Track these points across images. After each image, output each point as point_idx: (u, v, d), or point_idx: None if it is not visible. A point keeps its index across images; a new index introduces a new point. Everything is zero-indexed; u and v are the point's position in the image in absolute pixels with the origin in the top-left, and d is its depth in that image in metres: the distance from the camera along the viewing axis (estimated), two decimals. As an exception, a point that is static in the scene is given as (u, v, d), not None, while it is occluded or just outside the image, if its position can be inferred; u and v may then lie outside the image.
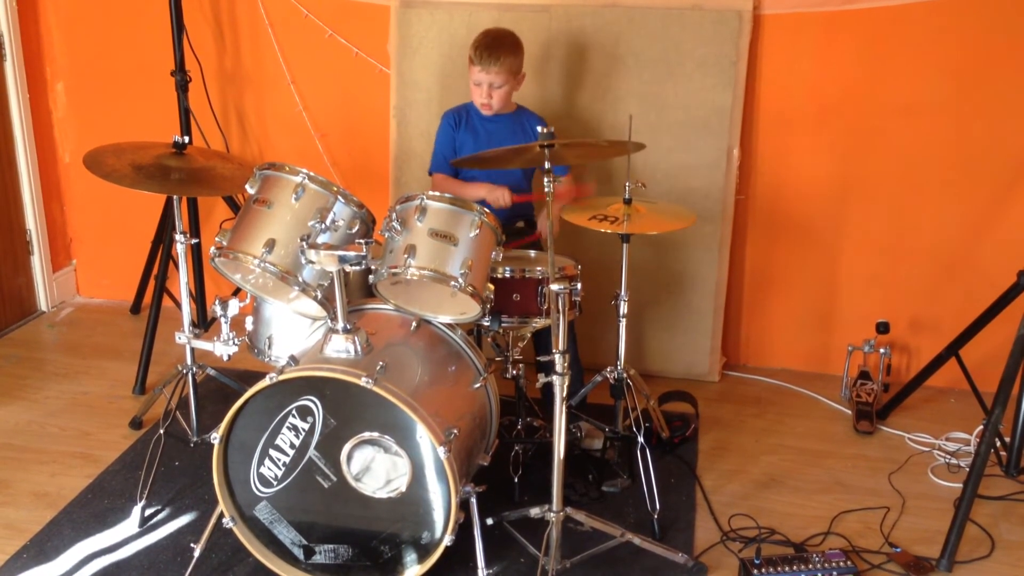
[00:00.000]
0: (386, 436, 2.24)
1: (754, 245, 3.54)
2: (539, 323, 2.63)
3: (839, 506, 2.79)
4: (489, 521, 2.48)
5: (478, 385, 2.53)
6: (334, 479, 2.30)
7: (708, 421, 3.26)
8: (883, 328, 3.33)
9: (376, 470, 2.27)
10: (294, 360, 2.29)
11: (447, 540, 2.25)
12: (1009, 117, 3.21)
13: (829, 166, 3.40)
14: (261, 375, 2.24)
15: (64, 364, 3.62)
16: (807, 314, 3.60)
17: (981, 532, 2.67)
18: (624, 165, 2.71)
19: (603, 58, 3.34)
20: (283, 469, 2.31)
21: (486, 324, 2.58)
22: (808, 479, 2.95)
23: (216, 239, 2.41)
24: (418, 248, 2.31)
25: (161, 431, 2.73)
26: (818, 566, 2.43)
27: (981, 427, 2.71)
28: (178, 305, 2.86)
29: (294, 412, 2.27)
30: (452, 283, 2.30)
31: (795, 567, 2.42)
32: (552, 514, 2.36)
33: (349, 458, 2.27)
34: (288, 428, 2.28)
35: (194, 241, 2.79)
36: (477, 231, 2.36)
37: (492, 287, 2.43)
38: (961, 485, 2.57)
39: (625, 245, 2.70)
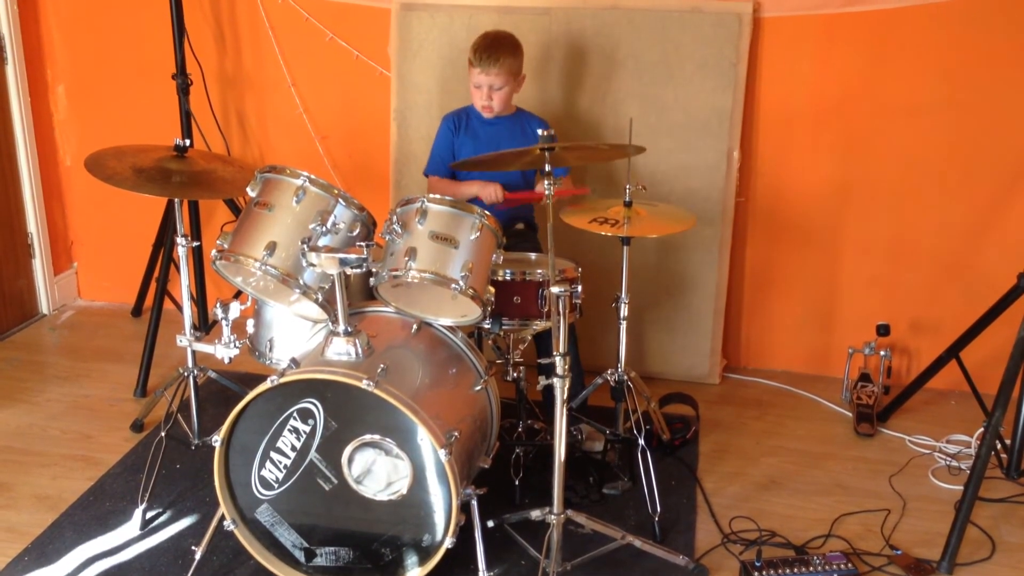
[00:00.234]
0: (387, 439, 2.24)
1: (754, 247, 3.55)
2: (540, 325, 2.63)
3: (840, 508, 2.79)
4: (490, 523, 2.48)
5: (479, 387, 2.53)
6: (335, 481, 2.30)
7: (709, 423, 3.26)
8: (883, 330, 3.33)
9: (377, 472, 2.28)
10: (295, 363, 2.29)
11: (448, 542, 2.25)
12: (1009, 119, 3.21)
13: (829, 168, 3.40)
14: (262, 378, 2.24)
15: (65, 367, 3.62)
16: (807, 316, 3.60)
17: (982, 534, 2.67)
18: (624, 167, 2.71)
19: (603, 60, 3.35)
20: (284, 472, 2.31)
21: (487, 327, 2.58)
22: (809, 481, 2.95)
23: (217, 242, 2.41)
24: (419, 251, 2.31)
25: (162, 434, 2.73)
26: (819, 568, 2.43)
27: (982, 429, 2.71)
28: (179, 308, 2.86)
29: (295, 415, 2.27)
30: (453, 286, 2.30)
31: (796, 569, 2.42)
32: (553, 516, 2.36)
33: (350, 460, 2.28)
34: (289, 431, 2.28)
35: (195, 244, 2.80)
36: (478, 234, 2.36)
37: (493, 290, 2.43)
38: (962, 487, 2.57)
39: (625, 248, 2.71)
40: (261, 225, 2.37)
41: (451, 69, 3.41)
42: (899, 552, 2.57)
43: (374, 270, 2.35)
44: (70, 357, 3.71)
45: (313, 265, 2.28)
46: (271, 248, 2.32)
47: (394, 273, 2.32)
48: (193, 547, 2.42)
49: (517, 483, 2.75)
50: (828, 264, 3.51)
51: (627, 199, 2.69)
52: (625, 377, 2.82)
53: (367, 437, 2.25)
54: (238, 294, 2.55)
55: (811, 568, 2.43)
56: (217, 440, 2.27)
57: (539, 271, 2.60)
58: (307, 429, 2.27)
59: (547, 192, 2.28)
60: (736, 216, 3.43)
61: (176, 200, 2.74)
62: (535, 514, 2.43)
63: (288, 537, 2.37)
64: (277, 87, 3.72)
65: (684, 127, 3.34)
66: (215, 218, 3.83)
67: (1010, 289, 2.87)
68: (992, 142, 3.25)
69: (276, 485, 2.33)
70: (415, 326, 2.53)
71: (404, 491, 2.27)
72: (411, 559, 2.33)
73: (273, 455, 2.30)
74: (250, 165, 3.00)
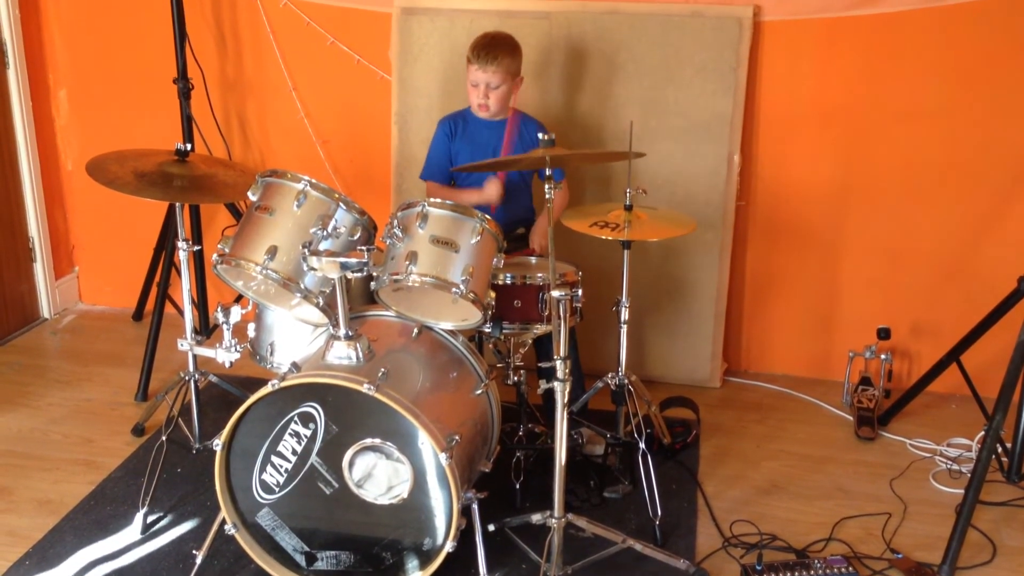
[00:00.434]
0: (388, 442, 2.24)
1: (755, 251, 3.55)
2: (540, 329, 2.63)
3: (840, 512, 2.79)
4: (491, 527, 2.47)
5: (479, 391, 2.53)
6: (336, 485, 2.30)
7: (709, 427, 3.26)
8: (884, 334, 3.33)
9: (378, 476, 2.28)
10: (296, 367, 2.30)
11: (449, 546, 2.25)
12: (1009, 123, 3.21)
13: (829, 172, 3.40)
14: (263, 382, 2.24)
15: (66, 371, 3.63)
16: (808, 320, 3.60)
17: (983, 538, 2.67)
18: (625, 171, 2.72)
19: (603, 64, 3.35)
20: (285, 475, 2.31)
21: (487, 330, 2.58)
22: (809, 485, 2.95)
23: (218, 246, 2.42)
24: (420, 255, 2.31)
25: (163, 438, 2.73)
26: (820, 572, 2.43)
27: (982, 433, 2.71)
28: (180, 312, 2.87)
29: (296, 419, 2.27)
30: (453, 290, 2.31)
31: (797, 573, 2.42)
32: (554, 520, 2.36)
33: (351, 464, 2.28)
34: (290, 435, 2.28)
35: (196, 248, 2.80)
36: (478, 238, 2.36)
37: (493, 293, 2.43)
38: (962, 491, 2.57)
39: (626, 251, 2.71)
40: (262, 229, 2.37)
41: (452, 73, 3.41)
42: (900, 556, 2.56)
43: (375, 274, 2.35)
44: (71, 361, 3.71)
45: (314, 269, 2.28)
46: (272, 252, 2.33)
47: (395, 277, 2.32)
48: (194, 551, 2.43)
49: (518, 487, 2.75)
50: (829, 268, 3.52)
51: (627, 203, 2.69)
52: (626, 381, 2.82)
53: (368, 441, 2.25)
54: (239, 298, 2.55)
55: (812, 572, 2.43)
56: (218, 444, 2.28)
57: (539, 275, 2.61)
58: (308, 433, 2.27)
59: (548, 196, 2.28)
60: (737, 220, 3.44)
61: (177, 204, 2.74)
62: (536, 518, 2.43)
63: (289, 541, 2.37)
64: (278, 91, 3.72)
65: (684, 131, 3.34)
66: (216, 222, 3.83)
67: (1010, 293, 2.87)
68: (991, 146, 3.25)
69: (277, 489, 2.33)
70: (416, 330, 2.54)
71: (405, 495, 2.27)
72: (412, 563, 2.33)
73: (274, 459, 2.31)
74: (251, 169, 3.00)
